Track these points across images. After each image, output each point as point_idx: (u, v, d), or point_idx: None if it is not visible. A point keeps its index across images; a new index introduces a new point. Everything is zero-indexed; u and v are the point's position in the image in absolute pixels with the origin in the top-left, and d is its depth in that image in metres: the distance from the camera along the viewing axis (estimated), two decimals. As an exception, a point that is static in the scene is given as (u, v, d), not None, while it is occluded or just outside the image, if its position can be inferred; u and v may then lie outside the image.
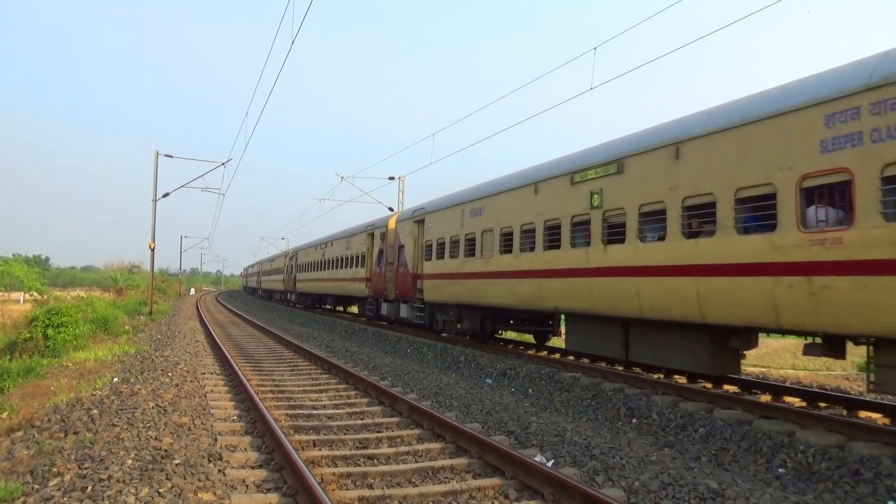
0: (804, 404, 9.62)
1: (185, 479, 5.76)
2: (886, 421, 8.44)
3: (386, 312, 23.71)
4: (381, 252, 24.07)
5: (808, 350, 8.28)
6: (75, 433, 7.63)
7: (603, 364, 13.77)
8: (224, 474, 6.05)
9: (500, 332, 18.14)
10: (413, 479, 6.25)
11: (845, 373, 16.13)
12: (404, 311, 21.36)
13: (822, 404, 9.57)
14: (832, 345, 7.91)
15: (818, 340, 8.09)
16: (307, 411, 9.22)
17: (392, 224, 23.13)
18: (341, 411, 9.27)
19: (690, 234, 9.09)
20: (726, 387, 10.94)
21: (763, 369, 14.08)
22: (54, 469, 6.13)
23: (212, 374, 12.63)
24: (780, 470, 6.87)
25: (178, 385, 10.79)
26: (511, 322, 16.77)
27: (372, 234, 25.53)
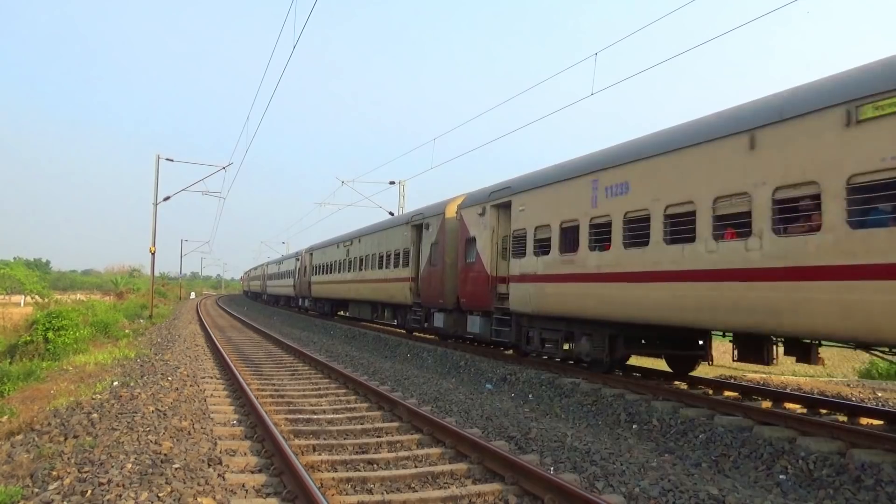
0: (805, 411, 9.60)
1: (184, 483, 5.75)
2: (888, 427, 8.43)
3: (442, 325, 18.65)
4: (433, 246, 19.26)
5: None
6: (75, 437, 7.62)
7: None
8: (224, 479, 6.05)
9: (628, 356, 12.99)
10: (413, 485, 6.24)
11: (846, 379, 16.09)
12: (475, 324, 16.54)
13: (823, 410, 9.56)
14: None
15: None
16: (307, 416, 9.21)
17: (452, 212, 18.46)
18: (341, 416, 9.26)
19: None
20: (727, 393, 10.93)
21: (764, 375, 14.05)
22: (54, 473, 6.13)
23: (212, 378, 12.62)
24: (781, 476, 6.86)
25: (177, 389, 10.78)
26: (644, 343, 12.12)
27: (419, 226, 20.78)
